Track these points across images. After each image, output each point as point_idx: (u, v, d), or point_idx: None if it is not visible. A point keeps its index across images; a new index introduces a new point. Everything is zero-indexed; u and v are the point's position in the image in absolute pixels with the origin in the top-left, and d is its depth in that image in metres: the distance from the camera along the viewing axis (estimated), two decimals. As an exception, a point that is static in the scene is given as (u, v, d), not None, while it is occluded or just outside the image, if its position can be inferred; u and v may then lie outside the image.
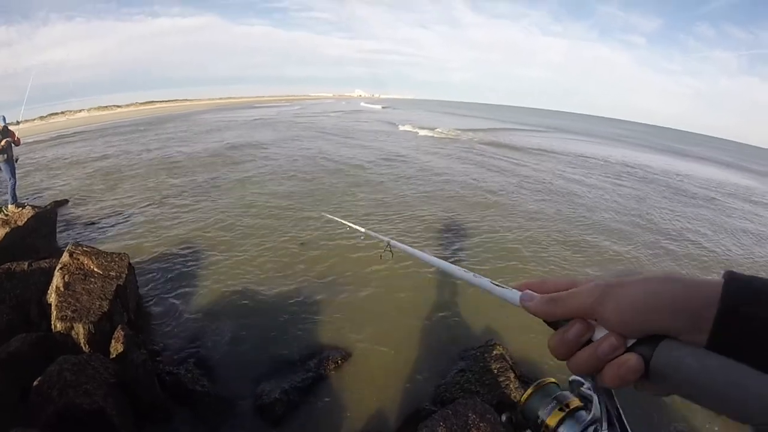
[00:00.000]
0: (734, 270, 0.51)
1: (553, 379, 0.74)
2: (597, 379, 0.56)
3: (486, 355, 5.64)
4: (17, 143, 10.23)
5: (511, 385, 5.14)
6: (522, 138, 38.43)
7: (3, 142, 9.74)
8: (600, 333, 0.56)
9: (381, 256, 1.72)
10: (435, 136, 33.30)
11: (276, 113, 57.84)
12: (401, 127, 37.04)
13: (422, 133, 34.09)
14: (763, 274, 0.48)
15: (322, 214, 3.40)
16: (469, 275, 0.80)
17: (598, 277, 0.60)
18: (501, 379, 5.24)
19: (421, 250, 1.11)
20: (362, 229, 2.21)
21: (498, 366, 5.39)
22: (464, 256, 9.58)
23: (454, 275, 0.85)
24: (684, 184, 23.25)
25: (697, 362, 0.46)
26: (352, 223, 2.48)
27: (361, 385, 5.58)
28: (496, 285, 0.71)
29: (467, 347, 6.14)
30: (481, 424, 4.13)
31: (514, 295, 0.65)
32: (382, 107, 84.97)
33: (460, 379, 5.44)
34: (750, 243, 13.19)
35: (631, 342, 0.52)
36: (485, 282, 0.73)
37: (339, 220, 2.84)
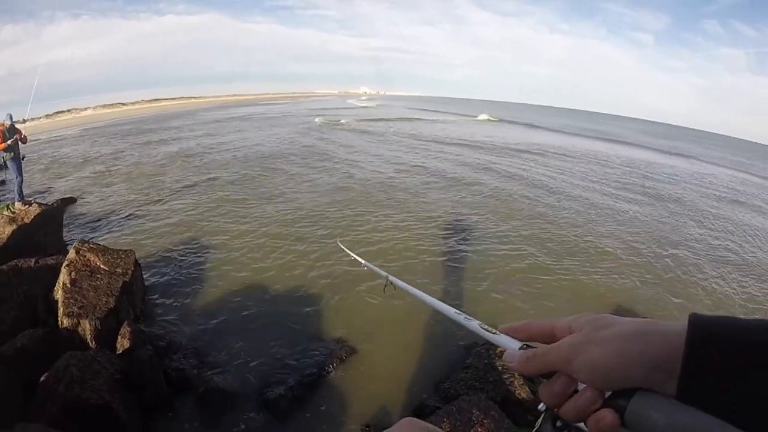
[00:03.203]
0: (698, 313, 0.52)
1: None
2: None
3: (491, 351, 5.63)
4: (24, 141, 10.29)
5: (515, 383, 5.13)
6: (410, 125, 41.65)
7: (10, 141, 9.81)
8: (582, 384, 0.57)
9: (384, 290, 1.75)
10: (323, 123, 39.36)
11: (263, 110, 60.88)
12: (315, 119, 42.00)
13: (317, 120, 40.64)
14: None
15: (338, 243, 3.49)
16: (460, 317, 0.84)
17: (574, 321, 0.62)
18: (505, 377, 5.24)
19: (418, 288, 1.13)
20: (363, 261, 2.27)
21: (502, 363, 5.38)
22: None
23: (447, 315, 0.88)
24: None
25: (665, 416, 0.48)
26: (356, 254, 2.57)
27: (365, 381, 5.59)
28: (485, 329, 0.75)
29: (472, 344, 6.14)
30: (485, 421, 4.13)
31: (500, 339, 0.69)
32: (376, 105, 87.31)
33: (465, 376, 5.43)
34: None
35: (608, 393, 0.54)
36: (474, 325, 0.78)
37: (346, 250, 2.90)
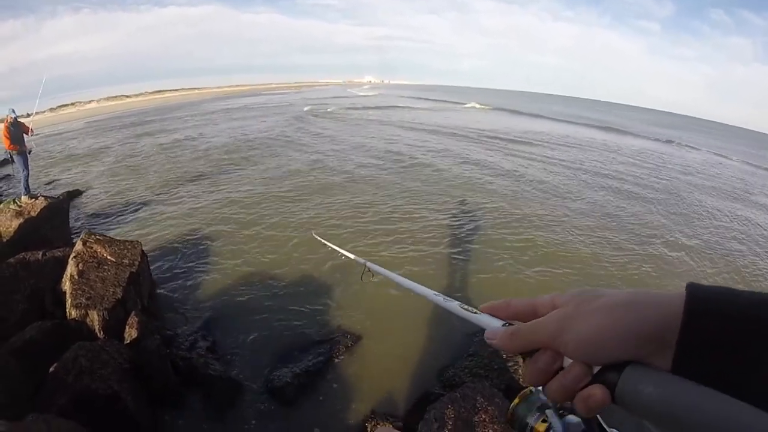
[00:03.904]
0: (696, 283, 0.49)
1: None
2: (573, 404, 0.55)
3: (495, 339, 5.65)
4: (30, 134, 10.33)
5: (519, 370, 5.15)
6: (395, 114, 42.11)
7: (20, 145, 10.01)
8: (569, 360, 0.55)
9: (362, 277, 1.74)
10: (308, 110, 41.35)
11: (265, 100, 61.39)
12: (304, 108, 43.70)
13: (306, 109, 42.59)
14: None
15: (312, 235, 3.46)
16: (439, 298, 0.81)
17: (557, 297, 0.60)
18: (509, 364, 5.27)
19: (395, 272, 1.12)
20: (345, 252, 2.24)
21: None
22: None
23: (426, 297, 0.87)
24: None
25: (659, 389, 0.45)
26: (333, 244, 2.53)
27: (370, 369, 5.63)
28: (465, 309, 0.72)
29: (476, 332, 6.15)
30: (489, 408, 4.16)
31: (481, 319, 0.67)
32: (375, 94, 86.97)
33: (469, 364, 5.47)
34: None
35: (597, 369, 0.52)
36: (454, 306, 0.76)
37: (325, 242, 2.80)
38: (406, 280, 1.02)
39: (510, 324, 0.63)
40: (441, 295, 0.82)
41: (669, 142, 38.68)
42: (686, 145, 38.13)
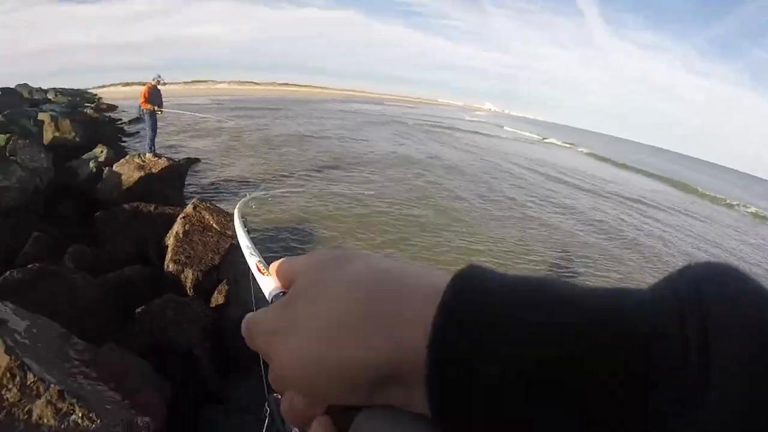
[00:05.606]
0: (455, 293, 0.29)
1: None
2: None
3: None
4: (159, 107, 11.15)
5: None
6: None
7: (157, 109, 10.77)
8: None
9: None
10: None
11: (380, 109, 65.59)
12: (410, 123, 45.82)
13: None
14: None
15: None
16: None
17: (303, 260, 0.42)
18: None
19: None
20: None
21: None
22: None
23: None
24: None
25: None
26: None
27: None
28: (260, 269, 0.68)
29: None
30: None
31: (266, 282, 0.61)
32: (484, 122, 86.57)
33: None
34: None
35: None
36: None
37: None
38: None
39: (284, 293, 0.47)
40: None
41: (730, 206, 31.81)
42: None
